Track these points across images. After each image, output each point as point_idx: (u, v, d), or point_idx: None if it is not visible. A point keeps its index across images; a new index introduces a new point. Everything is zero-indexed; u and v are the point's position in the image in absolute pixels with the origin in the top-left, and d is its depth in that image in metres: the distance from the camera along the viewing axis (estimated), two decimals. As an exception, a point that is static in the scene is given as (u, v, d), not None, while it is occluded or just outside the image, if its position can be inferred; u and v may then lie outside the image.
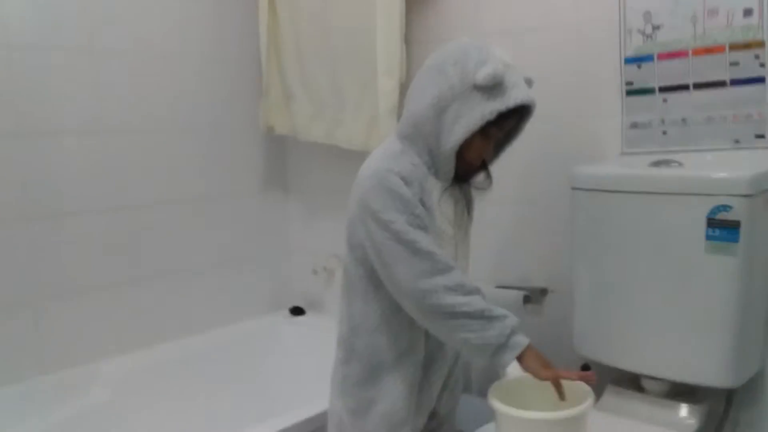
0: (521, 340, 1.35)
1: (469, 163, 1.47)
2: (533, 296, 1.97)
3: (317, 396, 1.66)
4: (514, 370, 1.36)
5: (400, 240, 1.36)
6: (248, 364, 2.47)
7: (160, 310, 2.34)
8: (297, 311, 2.68)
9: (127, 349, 2.24)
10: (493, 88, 1.37)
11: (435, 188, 1.46)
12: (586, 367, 1.81)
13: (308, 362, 2.26)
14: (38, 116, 2.02)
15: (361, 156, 1.58)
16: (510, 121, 1.44)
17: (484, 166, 1.54)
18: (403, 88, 2.11)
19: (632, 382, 1.70)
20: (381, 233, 1.37)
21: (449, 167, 1.44)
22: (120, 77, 2.20)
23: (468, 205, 1.59)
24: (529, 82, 1.45)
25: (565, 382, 1.33)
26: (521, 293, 1.95)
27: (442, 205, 1.47)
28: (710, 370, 1.52)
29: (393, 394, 1.49)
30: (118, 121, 2.20)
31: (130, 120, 2.23)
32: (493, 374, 1.50)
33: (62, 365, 2.08)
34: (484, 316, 1.34)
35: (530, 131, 1.55)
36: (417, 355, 1.50)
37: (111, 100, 2.18)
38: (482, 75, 1.35)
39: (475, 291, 1.37)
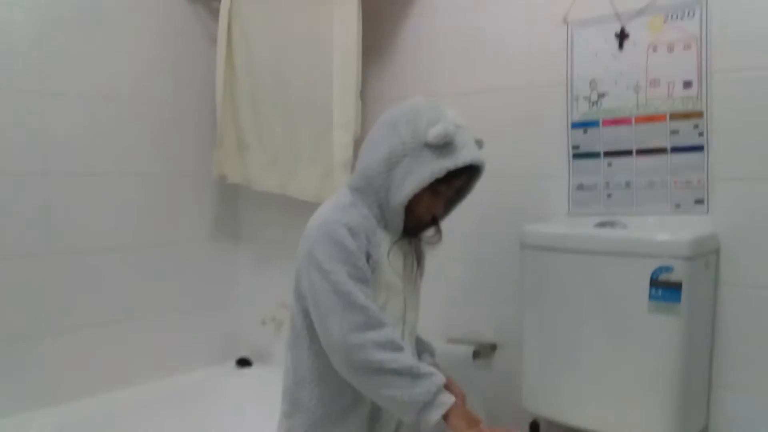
0: (447, 399, 1.37)
1: (419, 218, 1.51)
2: (483, 351, 1.99)
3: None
4: None
5: (337, 291, 1.37)
6: (193, 417, 2.40)
7: (102, 359, 2.27)
8: (243, 363, 2.64)
9: (63, 399, 2.16)
10: (444, 147, 1.42)
11: (384, 241, 1.48)
12: (534, 423, 1.83)
13: (254, 415, 2.22)
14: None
15: (313, 207, 1.60)
16: (460, 180, 1.50)
17: (434, 221, 1.58)
18: (357, 143, 2.15)
19: (580, 438, 1.73)
20: (320, 283, 1.39)
21: (398, 221, 1.48)
22: (71, 120, 2.17)
23: (418, 258, 1.62)
24: (479, 143, 1.51)
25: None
26: (471, 348, 1.97)
27: (391, 257, 1.50)
28: (655, 428, 1.55)
29: None
30: (67, 163, 2.17)
31: (81, 163, 2.20)
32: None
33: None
34: (411, 373, 1.35)
35: (481, 188, 1.60)
36: (362, 409, 1.50)
37: (61, 143, 2.15)
38: (433, 134, 1.40)
39: (403, 348, 1.38)
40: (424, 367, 1.38)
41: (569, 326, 1.66)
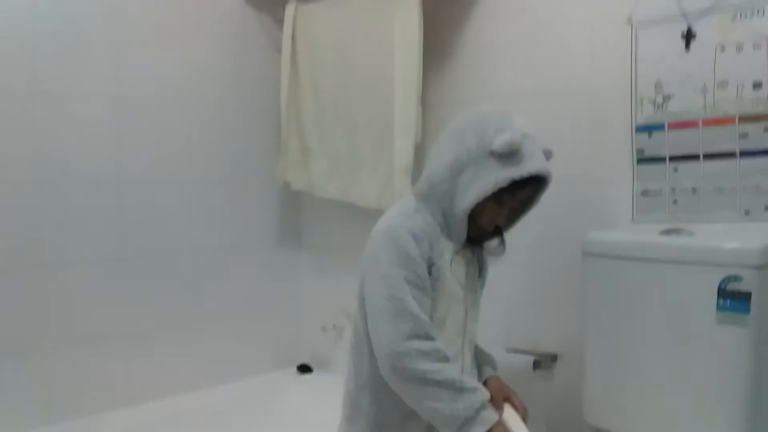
0: (490, 416, 1.35)
1: (482, 228, 1.49)
2: (543, 361, 1.95)
3: (322, 455, 1.64)
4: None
5: (391, 296, 1.37)
6: (254, 422, 2.43)
7: (168, 363, 2.33)
8: (304, 369, 2.67)
9: (133, 402, 2.22)
10: (509, 155, 1.39)
11: (447, 249, 1.47)
12: (594, 436, 1.79)
13: (314, 422, 2.23)
14: (58, 164, 2.05)
15: (374, 214, 1.60)
16: (525, 191, 1.46)
17: (498, 232, 1.55)
18: (418, 149, 2.15)
19: (643, 452, 1.67)
20: (378, 287, 1.40)
21: (461, 229, 1.46)
22: (141, 127, 2.24)
23: (481, 268, 1.60)
24: (548, 154, 1.48)
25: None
26: (531, 358, 1.94)
27: (453, 266, 1.48)
28: (722, 443, 1.49)
29: None
30: (136, 170, 2.23)
31: (148, 170, 2.26)
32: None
33: (66, 417, 2.06)
34: (455, 387, 1.33)
35: (543, 195, 1.56)
36: (422, 418, 1.48)
37: (131, 150, 2.21)
38: (499, 142, 1.38)
39: (449, 359, 1.37)
40: (469, 381, 1.37)
41: (633, 337, 1.61)
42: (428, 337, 1.36)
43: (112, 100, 2.17)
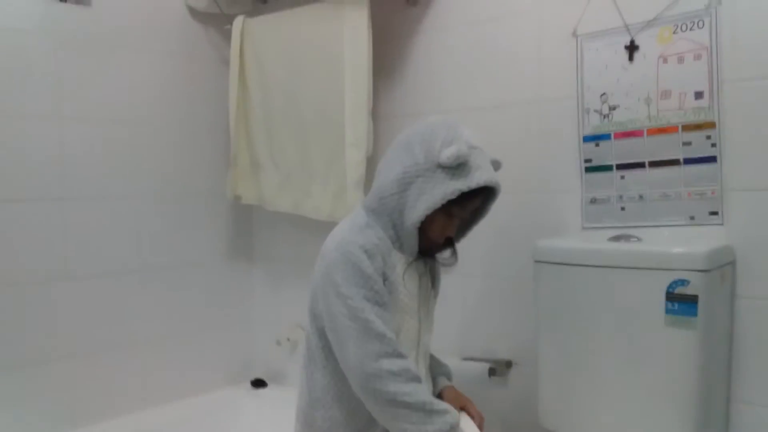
0: None
1: (433, 240, 1.50)
2: (498, 368, 1.97)
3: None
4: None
5: (354, 317, 1.37)
6: (208, 438, 2.41)
7: (119, 381, 2.28)
8: (259, 383, 2.64)
9: (80, 422, 2.16)
10: (457, 168, 1.40)
11: (399, 262, 1.47)
12: (550, 441, 1.81)
13: (270, 436, 2.21)
14: (1, 182, 2.00)
15: (327, 226, 1.59)
16: (474, 202, 1.48)
17: (450, 243, 1.56)
18: (370, 161, 2.16)
19: (597, 455, 1.70)
20: (338, 307, 1.39)
21: (412, 242, 1.46)
22: (86, 143, 2.20)
23: (433, 279, 1.61)
24: (496, 165, 1.50)
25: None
26: (486, 365, 1.96)
27: (406, 279, 1.48)
28: (673, 443, 1.53)
29: None
30: (82, 187, 2.19)
31: (95, 186, 2.22)
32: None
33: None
34: (424, 409, 1.34)
35: (494, 204, 1.58)
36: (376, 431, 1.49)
37: (75, 166, 2.17)
38: (446, 155, 1.39)
39: (419, 379, 1.38)
40: (438, 404, 1.38)
41: (585, 341, 1.64)
42: (397, 355, 1.36)
43: (55, 117, 2.12)
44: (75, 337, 2.17)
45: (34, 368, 2.07)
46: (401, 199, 1.43)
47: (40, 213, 2.09)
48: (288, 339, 2.56)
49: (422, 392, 1.36)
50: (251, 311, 2.72)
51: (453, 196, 1.40)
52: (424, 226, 1.45)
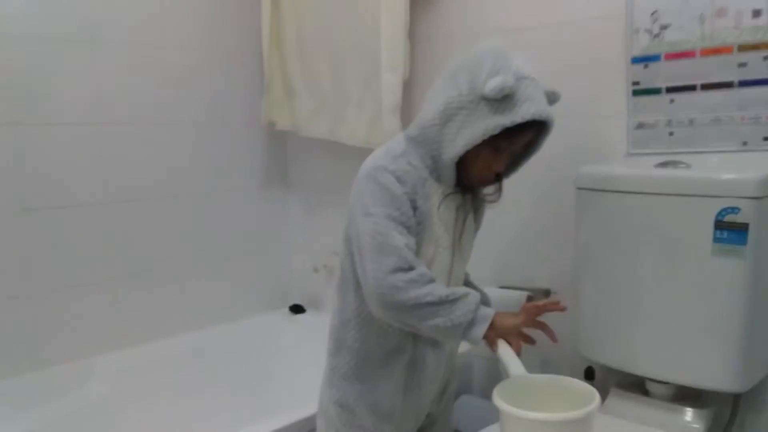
0: (487, 312, 1.35)
1: (479, 175, 1.43)
2: (536, 297, 1.95)
3: (315, 395, 1.64)
4: (517, 369, 1.34)
5: (374, 233, 1.35)
6: (247, 362, 2.45)
7: (158, 306, 2.32)
8: (297, 309, 2.67)
9: (124, 344, 2.22)
10: (502, 101, 1.32)
11: (436, 193, 1.43)
12: (590, 370, 1.80)
13: (307, 361, 2.24)
14: (35, 107, 2.00)
15: (362, 152, 1.56)
16: (524, 135, 1.39)
17: (497, 178, 1.50)
18: (407, 85, 2.10)
19: (637, 385, 1.69)
20: (362, 225, 1.37)
21: (450, 175, 1.41)
22: (119, 69, 2.18)
23: (475, 213, 1.56)
24: (551, 96, 1.41)
25: (569, 384, 1.32)
26: (524, 294, 1.93)
27: (441, 210, 1.45)
28: (717, 374, 1.50)
29: (379, 390, 1.49)
30: (116, 113, 2.18)
31: (130, 112, 2.21)
32: (495, 375, 1.48)
33: (59, 360, 2.06)
34: (447, 301, 1.33)
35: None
36: (404, 355, 1.49)
37: (109, 92, 2.16)
38: (490, 86, 1.30)
39: (433, 280, 1.35)
40: (458, 290, 1.37)
41: (627, 271, 1.61)
42: (411, 267, 1.34)
43: (89, 42, 2.10)
44: (114, 262, 2.20)
45: (77, 290, 2.11)
46: (441, 132, 1.37)
47: (77, 137, 2.09)
48: (324, 266, 2.56)
49: (440, 289, 1.35)
50: (288, 238, 2.73)
51: (495, 132, 1.32)
52: (468, 161, 1.39)
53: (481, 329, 1.34)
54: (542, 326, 1.42)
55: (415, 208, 1.39)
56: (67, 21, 2.05)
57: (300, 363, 2.41)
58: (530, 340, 1.41)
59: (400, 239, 1.35)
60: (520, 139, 1.39)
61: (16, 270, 1.98)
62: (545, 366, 1.84)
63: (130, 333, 2.25)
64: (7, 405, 1.91)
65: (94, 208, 2.14)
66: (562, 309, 1.43)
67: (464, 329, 1.34)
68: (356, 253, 1.40)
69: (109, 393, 2.11)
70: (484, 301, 1.62)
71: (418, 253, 1.40)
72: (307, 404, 1.83)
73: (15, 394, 1.94)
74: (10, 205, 1.96)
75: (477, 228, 1.60)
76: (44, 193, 2.03)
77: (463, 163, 1.39)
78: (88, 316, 2.14)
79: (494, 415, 1.32)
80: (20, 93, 1.97)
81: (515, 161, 1.49)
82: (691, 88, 1.69)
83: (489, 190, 1.52)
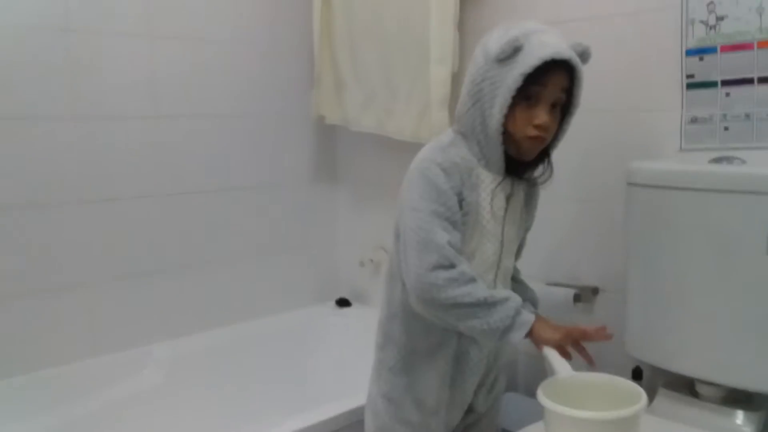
0: (527, 319, 1.34)
1: (522, 136, 1.37)
2: (584, 295, 1.92)
3: (361, 388, 1.66)
4: (563, 369, 1.33)
5: (419, 228, 1.35)
6: (294, 354, 2.48)
7: (210, 296, 2.37)
8: (343, 303, 2.68)
9: (178, 333, 2.27)
10: (514, 55, 1.31)
11: (485, 181, 1.42)
12: (637, 369, 1.76)
13: (353, 354, 2.25)
14: (94, 101, 2.05)
15: (411, 147, 1.56)
16: (552, 78, 1.33)
17: (544, 156, 1.47)
18: (456, 78, 2.09)
19: (686, 386, 1.65)
20: (408, 220, 1.38)
21: (497, 154, 1.39)
22: (175, 63, 2.22)
23: (527, 205, 1.55)
24: (578, 48, 1.36)
25: (616, 383, 1.31)
26: (572, 291, 1.91)
27: (493, 199, 1.43)
28: (769, 377, 1.46)
29: (425, 384, 1.50)
30: (171, 107, 2.22)
31: (184, 106, 2.25)
32: (540, 373, 1.47)
33: (115, 348, 2.13)
34: (486, 303, 1.32)
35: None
36: (449, 349, 1.50)
37: (165, 86, 2.20)
38: (495, 45, 1.32)
39: (474, 280, 1.35)
40: (499, 293, 1.35)
41: (678, 269, 1.57)
42: (452, 265, 1.34)
43: (145, 36, 2.15)
44: (172, 252, 2.26)
45: (135, 279, 2.18)
46: (478, 110, 1.37)
47: (131, 131, 2.14)
48: (371, 260, 2.57)
49: (480, 289, 1.34)
50: (335, 232, 2.75)
51: (519, 83, 1.30)
52: (510, 128, 1.36)
53: (518, 335, 1.33)
54: (581, 349, 1.39)
55: (462, 201, 1.39)
56: (122, 16, 2.10)
57: (345, 356, 2.44)
58: (567, 355, 1.38)
59: (444, 236, 1.34)
60: (550, 83, 1.34)
61: (71, 259, 2.04)
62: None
63: (183, 323, 2.29)
64: (64, 390, 1.98)
65: (148, 200, 2.19)
66: (609, 338, 1.38)
67: (501, 333, 1.33)
68: (401, 248, 1.41)
69: (162, 381, 2.16)
70: (532, 301, 1.61)
71: (465, 244, 1.40)
72: (352, 396, 1.85)
73: (73, 380, 2.01)
74: (70, 194, 2.02)
75: (530, 220, 1.59)
76: (102, 184, 2.08)
77: (508, 135, 1.38)
78: (144, 305, 2.20)
79: (539, 413, 1.31)
80: (78, 87, 2.02)
81: (560, 117, 1.42)
82: (748, 81, 1.63)
83: (539, 171, 1.49)
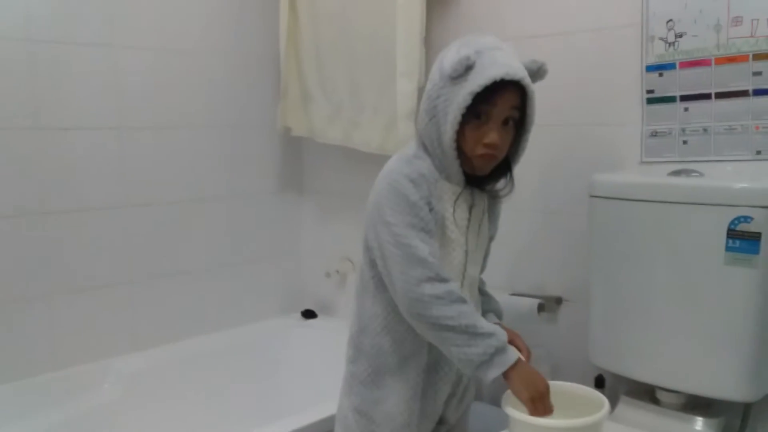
0: (507, 359, 1.32)
1: (472, 152, 1.38)
2: (548, 305, 1.95)
3: (327, 398, 1.65)
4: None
5: (398, 243, 1.35)
6: (259, 366, 2.46)
7: (172, 308, 2.34)
8: (309, 314, 2.68)
9: (138, 347, 2.25)
10: (466, 73, 1.32)
11: (446, 193, 1.44)
12: (600, 378, 1.79)
13: (319, 365, 2.25)
14: (56, 112, 2.03)
15: (377, 159, 1.57)
16: (502, 98, 1.34)
17: (505, 168, 1.49)
18: (422, 92, 2.10)
19: (647, 393, 1.68)
20: (384, 235, 1.38)
21: (454, 167, 1.41)
22: (139, 74, 2.21)
23: (490, 213, 1.56)
24: (533, 66, 1.37)
25: (579, 391, 1.32)
26: (536, 301, 1.93)
27: (455, 209, 1.45)
28: (727, 384, 1.49)
29: (396, 396, 1.49)
30: (136, 117, 2.21)
31: (148, 117, 2.24)
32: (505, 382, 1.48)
33: (74, 361, 2.09)
34: (468, 332, 1.31)
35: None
36: (419, 361, 1.49)
37: (129, 96, 2.19)
38: (447, 63, 1.33)
39: (464, 301, 1.34)
40: (486, 326, 1.34)
41: (639, 279, 1.60)
42: (440, 279, 1.34)
43: (108, 47, 2.13)
44: (130, 264, 2.23)
45: (94, 291, 2.14)
46: (434, 126, 1.39)
47: (97, 141, 2.12)
48: (337, 271, 2.57)
49: (466, 314, 1.33)
50: (301, 243, 2.74)
51: (468, 102, 1.31)
52: (462, 146, 1.38)
53: (492, 374, 1.31)
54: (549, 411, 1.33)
55: (431, 210, 1.40)
56: (88, 27, 2.08)
57: (312, 368, 2.43)
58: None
59: (424, 248, 1.35)
60: (500, 102, 1.35)
61: (31, 271, 2.01)
62: (555, 373, 1.83)
63: (144, 336, 2.27)
64: (22, 405, 1.94)
65: (109, 212, 2.16)
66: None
67: (476, 367, 1.32)
68: (380, 264, 1.41)
69: (122, 395, 2.13)
70: (497, 312, 1.62)
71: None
72: (319, 408, 1.84)
73: (31, 394, 1.97)
74: (27, 207, 1.99)
75: (493, 230, 1.60)
76: (62, 196, 2.05)
77: (462, 151, 1.39)
78: (103, 318, 2.17)
79: (504, 422, 1.33)
80: (41, 98, 1.99)
81: (514, 140, 1.44)
82: (706, 96, 1.68)
83: (500, 184, 1.51)
